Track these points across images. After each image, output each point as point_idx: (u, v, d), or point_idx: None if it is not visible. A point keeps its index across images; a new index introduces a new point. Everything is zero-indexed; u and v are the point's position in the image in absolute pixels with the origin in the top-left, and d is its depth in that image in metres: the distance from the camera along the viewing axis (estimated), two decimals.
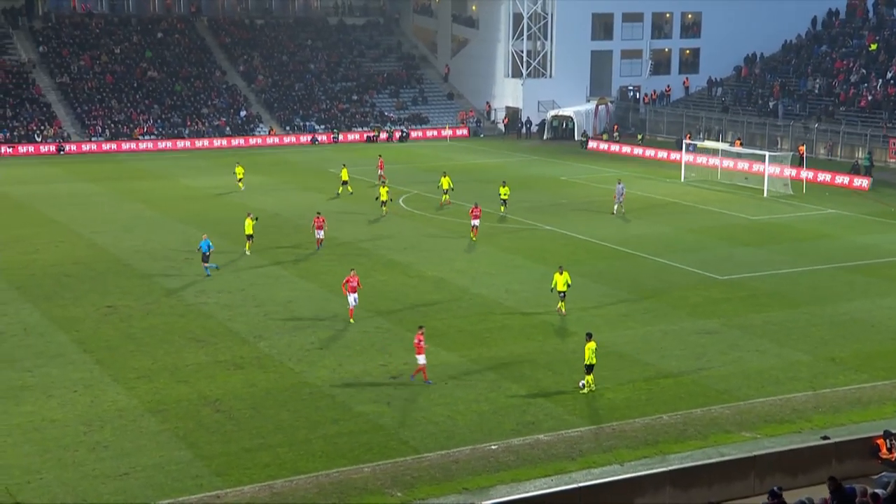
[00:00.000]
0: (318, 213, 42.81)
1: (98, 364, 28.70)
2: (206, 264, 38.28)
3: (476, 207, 43.77)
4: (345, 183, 56.20)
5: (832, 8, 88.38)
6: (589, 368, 26.66)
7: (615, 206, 51.17)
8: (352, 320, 32.47)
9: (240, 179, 57.87)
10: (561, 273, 33.19)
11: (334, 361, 29.03)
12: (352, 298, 32.47)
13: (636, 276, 36.35)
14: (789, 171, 60.25)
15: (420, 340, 27.12)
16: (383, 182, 52.54)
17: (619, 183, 52.02)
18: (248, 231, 41.35)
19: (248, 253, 41.31)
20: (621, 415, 25.45)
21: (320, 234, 42.07)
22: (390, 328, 32.15)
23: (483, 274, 39.03)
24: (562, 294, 33.26)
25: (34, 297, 35.28)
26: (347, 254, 42.24)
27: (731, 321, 33.14)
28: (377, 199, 50.29)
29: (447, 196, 52.41)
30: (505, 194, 49.67)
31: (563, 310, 33.34)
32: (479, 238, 45.22)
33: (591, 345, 26.67)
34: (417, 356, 27.19)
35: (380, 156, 61.42)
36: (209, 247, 38.19)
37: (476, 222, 43.54)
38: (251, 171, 62.19)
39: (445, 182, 52.47)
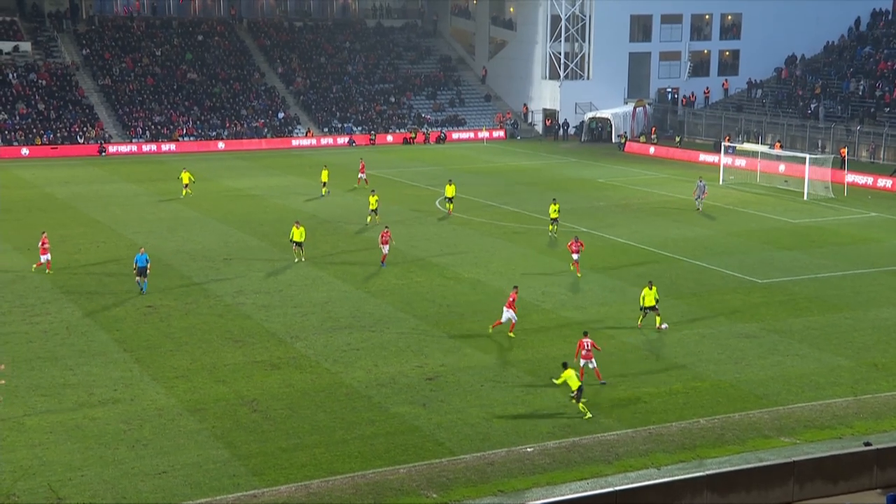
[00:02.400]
0: (386, 227, 41.00)
1: (138, 363, 29.03)
2: (139, 279, 35.75)
3: (576, 241, 38.63)
4: (324, 184, 56.36)
5: (877, 8, 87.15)
6: (579, 393, 25.02)
7: (697, 204, 52.17)
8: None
9: (185, 186, 55.64)
10: (650, 288, 31.91)
11: (370, 362, 29.13)
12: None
13: (674, 279, 36.10)
14: (830, 174, 59.51)
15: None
16: (372, 191, 49.88)
17: (701, 181, 53.07)
18: (297, 238, 40.22)
19: (301, 260, 40.27)
20: (658, 418, 25.28)
21: (385, 249, 40.01)
22: (426, 330, 32.19)
23: (520, 276, 38.95)
24: (647, 309, 31.87)
25: (76, 297, 35.76)
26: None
27: (770, 325, 32.81)
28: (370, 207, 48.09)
29: (451, 205, 50.41)
30: (555, 212, 45.38)
31: (641, 323, 32.17)
32: (516, 239, 45.13)
33: (569, 373, 25.16)
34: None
35: (361, 159, 60.67)
36: (147, 261, 35.84)
37: (576, 256, 38.32)
38: (289, 172, 62.58)
39: (450, 190, 50.44)
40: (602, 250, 43.04)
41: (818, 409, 25.91)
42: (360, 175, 59.19)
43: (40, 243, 38.56)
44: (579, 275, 37.86)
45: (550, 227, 45.71)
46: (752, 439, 24.13)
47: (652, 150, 76.93)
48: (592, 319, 33.34)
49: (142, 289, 35.90)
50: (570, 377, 25.29)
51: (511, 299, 31.26)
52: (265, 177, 64.08)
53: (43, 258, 38.43)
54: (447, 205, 50.64)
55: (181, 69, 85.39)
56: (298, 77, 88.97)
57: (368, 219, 48.20)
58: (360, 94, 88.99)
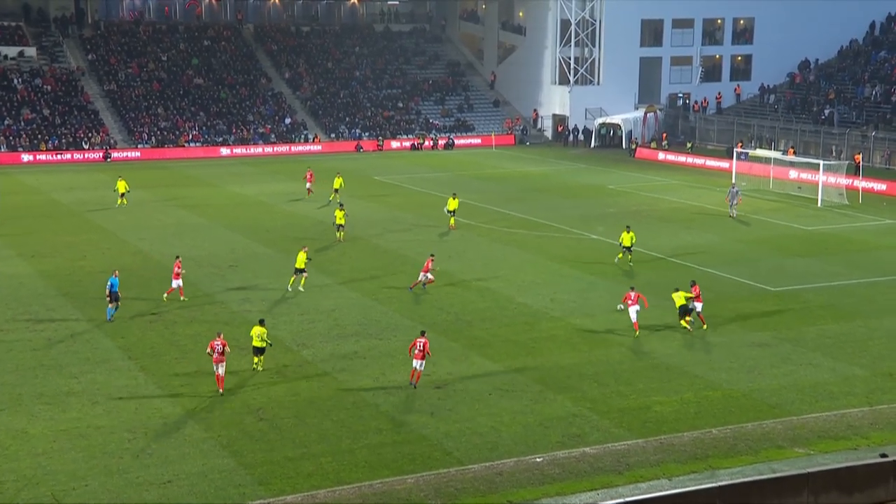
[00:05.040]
0: (432, 255, 38.64)
1: (142, 371, 29.07)
2: (111, 305, 33.55)
3: (633, 293, 32.76)
4: (336, 191, 55.79)
5: (893, 12, 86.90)
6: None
7: (731, 210, 52.31)
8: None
9: (122, 195, 54.20)
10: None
11: (377, 370, 29.12)
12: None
13: (685, 286, 35.98)
14: (844, 181, 59.36)
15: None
16: (340, 205, 47.49)
17: (734, 186, 53.52)
18: (300, 265, 37.14)
19: (298, 288, 37.10)
20: (670, 428, 25.20)
21: (422, 277, 37.34)
22: (434, 337, 32.09)
23: (529, 283, 38.91)
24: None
25: (81, 304, 35.84)
26: (391, 262, 42.37)
27: (783, 334, 32.71)
28: (334, 223, 46.05)
29: (454, 220, 48.68)
30: (630, 240, 41.26)
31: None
32: (525, 246, 45.09)
33: (257, 329, 28.48)
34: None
35: (308, 168, 60.05)
36: (115, 286, 33.52)
37: (634, 312, 32.64)
38: (296, 178, 62.64)
39: (453, 203, 48.55)
40: (612, 257, 42.95)
41: (833, 420, 25.80)
42: (307, 185, 57.64)
43: (175, 267, 35.78)
44: (636, 333, 32.64)
45: (620, 255, 41.87)
46: (766, 450, 24.03)
47: (662, 156, 76.85)
48: (602, 327, 33.29)
49: (108, 316, 33.49)
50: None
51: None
52: (272, 183, 64.21)
53: (174, 283, 35.61)
54: (450, 219, 48.68)
55: (187, 74, 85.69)
56: (305, 82, 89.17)
57: (339, 235, 45.66)
58: (368, 99, 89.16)
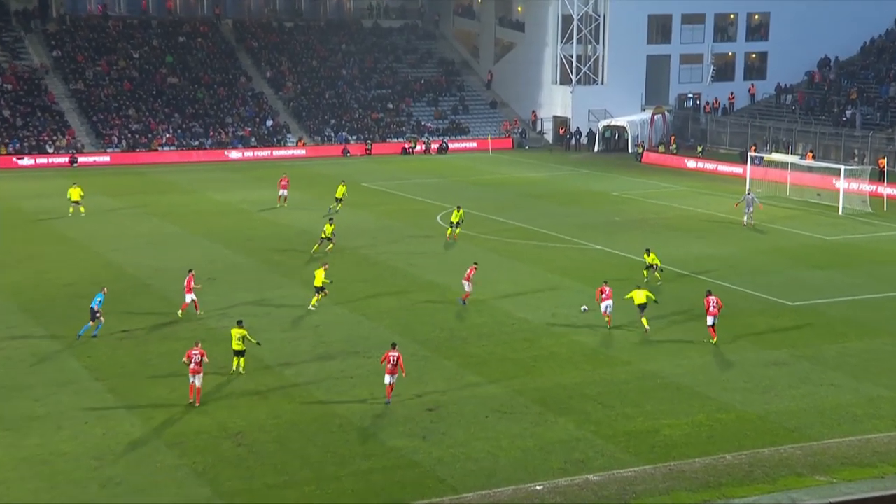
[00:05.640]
0: (475, 264, 38.74)
1: (111, 392, 28.95)
2: (92, 322, 33.60)
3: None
4: (339, 200, 55.69)
5: None
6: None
7: (745, 218, 52.50)
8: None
9: (75, 202, 53.81)
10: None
11: (366, 391, 29.05)
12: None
13: (696, 300, 36.02)
14: (868, 187, 59.50)
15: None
16: (330, 218, 47.62)
17: (749, 193, 53.77)
18: (318, 282, 36.88)
19: (309, 308, 36.93)
20: (679, 453, 25.17)
21: (468, 287, 37.85)
22: (426, 355, 32.14)
23: (528, 296, 38.89)
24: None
25: (45, 320, 35.71)
26: (381, 275, 42.34)
27: (802, 351, 32.73)
28: (322, 236, 45.58)
29: (455, 230, 48.29)
30: (653, 259, 40.91)
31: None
32: (523, 257, 45.12)
33: (236, 331, 29.95)
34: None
35: (284, 173, 59.79)
36: (100, 303, 33.72)
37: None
38: (276, 183, 62.52)
39: (456, 215, 48.33)
40: (617, 269, 42.99)
41: (856, 445, 25.77)
42: (280, 192, 57.23)
43: (187, 282, 36.06)
44: (714, 340, 33.40)
45: (646, 272, 41.33)
46: (784, 477, 23.99)
47: (671, 160, 77.00)
48: (607, 344, 33.29)
49: (78, 334, 33.50)
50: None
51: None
52: (252, 189, 64.19)
53: (188, 298, 35.94)
54: (453, 230, 48.35)
55: (161, 73, 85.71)
56: (288, 82, 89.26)
57: (322, 246, 45.34)
58: (356, 100, 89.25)
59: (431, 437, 26.02)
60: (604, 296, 34.85)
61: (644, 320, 34.52)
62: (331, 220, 47.57)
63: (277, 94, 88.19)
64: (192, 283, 36.21)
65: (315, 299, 37.13)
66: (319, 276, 36.96)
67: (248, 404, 28.10)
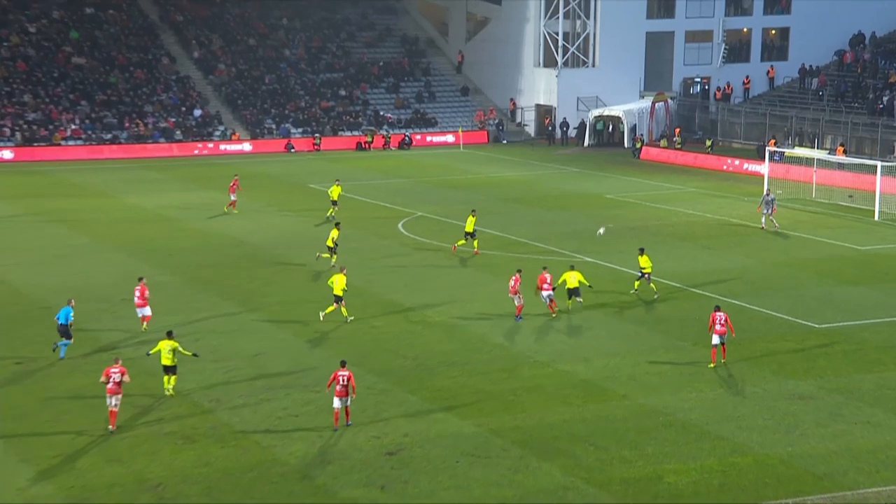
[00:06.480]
0: (518, 272, 39.21)
1: (3, 439, 28.63)
2: (63, 341, 34.64)
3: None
4: (335, 203, 56.02)
5: None
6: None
7: (763, 220, 53.59)
8: None
9: None
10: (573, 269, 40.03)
11: (314, 433, 28.94)
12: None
13: (707, 322, 36.16)
14: None
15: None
16: (336, 224, 47.70)
17: (769, 194, 54.77)
18: (338, 291, 38.06)
19: (346, 319, 38.28)
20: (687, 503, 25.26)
21: (518, 301, 38.68)
22: (386, 388, 32.07)
23: (507, 318, 38.93)
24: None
25: None
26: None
27: (831, 383, 32.92)
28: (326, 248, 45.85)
29: (472, 242, 48.13)
30: (646, 263, 41.81)
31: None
32: (500, 272, 45.18)
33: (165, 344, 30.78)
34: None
35: (235, 174, 59.88)
36: (68, 318, 34.62)
37: (717, 340, 34.37)
38: (210, 185, 62.41)
39: (470, 223, 48.01)
40: (612, 285, 43.11)
41: None
42: (231, 197, 57.41)
43: (138, 293, 37.18)
44: (713, 364, 34.16)
45: (637, 283, 42.03)
46: None
47: (675, 156, 77.47)
48: (600, 375, 33.35)
49: (60, 354, 34.59)
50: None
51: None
52: (179, 192, 63.93)
53: (142, 312, 37.20)
54: (464, 242, 48.05)
55: (64, 52, 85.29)
56: (221, 64, 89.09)
57: (323, 256, 45.70)
58: (302, 86, 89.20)
59: (392, 486, 25.94)
60: (546, 285, 38.76)
61: (569, 303, 39.45)
62: (337, 224, 47.67)
63: (207, 79, 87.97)
64: (146, 293, 37.25)
65: (343, 310, 38.27)
66: (340, 283, 38.07)
67: (171, 449, 27.90)
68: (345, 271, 38.88)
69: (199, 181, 67.59)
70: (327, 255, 45.54)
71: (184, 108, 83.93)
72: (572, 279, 39.40)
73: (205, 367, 33.73)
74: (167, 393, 31.18)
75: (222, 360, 34.61)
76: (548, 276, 38.98)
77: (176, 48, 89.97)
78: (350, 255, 48.04)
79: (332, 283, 38.53)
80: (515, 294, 38.87)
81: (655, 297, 41.33)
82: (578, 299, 39.69)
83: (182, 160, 77.28)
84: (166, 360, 31.17)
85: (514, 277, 39.00)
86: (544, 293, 38.86)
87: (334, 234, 45.71)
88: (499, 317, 39.26)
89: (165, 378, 31.16)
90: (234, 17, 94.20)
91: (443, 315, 39.45)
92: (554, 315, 38.91)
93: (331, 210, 55.86)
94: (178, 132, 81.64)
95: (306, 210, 58.54)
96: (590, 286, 40.11)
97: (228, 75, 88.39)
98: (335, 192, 56.43)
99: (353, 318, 38.47)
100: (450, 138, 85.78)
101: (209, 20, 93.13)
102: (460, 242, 48.57)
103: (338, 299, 38.34)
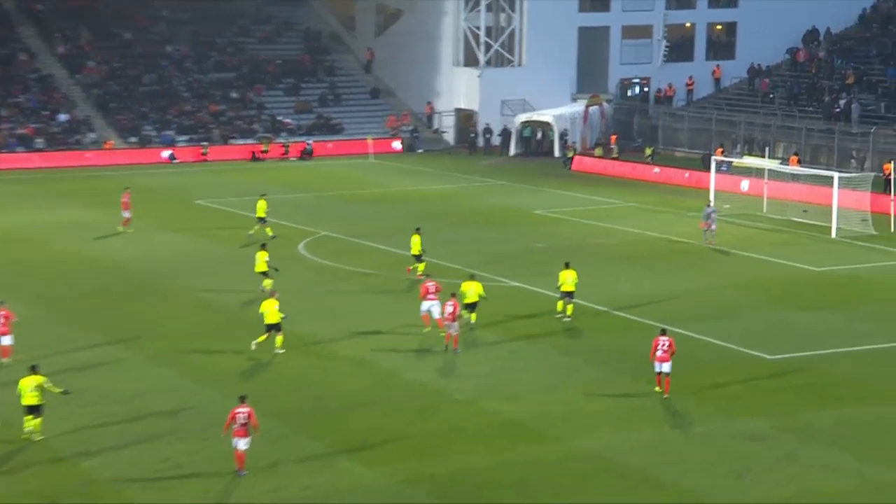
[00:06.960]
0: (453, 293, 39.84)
1: None
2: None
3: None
4: (262, 220, 55.64)
5: None
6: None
7: (706, 238, 54.57)
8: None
9: None
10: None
11: (200, 488, 28.62)
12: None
13: (647, 353, 36.42)
14: (870, 201, 60.63)
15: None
16: (263, 244, 47.60)
17: (709, 206, 55.84)
18: (271, 319, 38.32)
19: (276, 350, 38.51)
20: None
21: (453, 329, 38.77)
22: (285, 434, 31.84)
23: (423, 351, 38.88)
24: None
25: None
26: (224, 324, 42.13)
27: (785, 421, 33.25)
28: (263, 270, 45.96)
29: (422, 266, 47.92)
30: (567, 284, 42.32)
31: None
32: (415, 299, 45.22)
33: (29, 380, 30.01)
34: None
35: (126, 188, 59.17)
36: None
37: (664, 368, 35.01)
38: (79, 201, 61.57)
39: (416, 245, 48.13)
40: (539, 312, 43.21)
41: None
42: (124, 213, 57.10)
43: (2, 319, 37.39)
44: (667, 395, 34.77)
45: (560, 304, 42.70)
46: None
47: (613, 167, 77.97)
48: (529, 414, 33.37)
49: None
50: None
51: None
52: (43, 209, 63.08)
53: (4, 340, 37.38)
54: (417, 265, 48.09)
55: None
56: (91, 61, 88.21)
57: (266, 283, 45.24)
58: (187, 87, 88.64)
59: None
60: (430, 296, 40.41)
61: (473, 316, 40.76)
62: (263, 245, 47.06)
63: (74, 78, 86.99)
64: (12, 318, 37.29)
65: (279, 341, 38.37)
66: (271, 311, 38.19)
67: None
68: (276, 296, 38.80)
69: (69, 196, 66.69)
70: (269, 282, 45.07)
71: (46, 113, 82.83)
72: (471, 292, 40.71)
73: (72, 413, 33.16)
74: (31, 437, 30.51)
75: (93, 403, 34.05)
76: (431, 286, 40.63)
77: (36, 42, 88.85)
78: (241, 280, 47.68)
79: (264, 311, 38.34)
80: (453, 322, 38.68)
81: (567, 320, 42.20)
82: (471, 315, 41.04)
83: (45, 172, 76.04)
84: (30, 399, 30.55)
85: (450, 302, 38.80)
86: (433, 304, 40.23)
87: (262, 256, 45.59)
88: (412, 350, 39.17)
89: (27, 418, 30.53)
90: (107, 7, 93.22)
91: (351, 348, 39.28)
92: (442, 332, 39.54)
93: (255, 228, 55.44)
94: (40, 140, 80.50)
95: (193, 229, 58.00)
96: (485, 298, 41.10)
97: (100, 74, 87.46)
98: (261, 207, 56.01)
99: (283, 350, 38.45)
100: (358, 147, 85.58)
101: (77, 10, 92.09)
102: (421, 268, 47.78)
103: (273, 327, 38.30)
